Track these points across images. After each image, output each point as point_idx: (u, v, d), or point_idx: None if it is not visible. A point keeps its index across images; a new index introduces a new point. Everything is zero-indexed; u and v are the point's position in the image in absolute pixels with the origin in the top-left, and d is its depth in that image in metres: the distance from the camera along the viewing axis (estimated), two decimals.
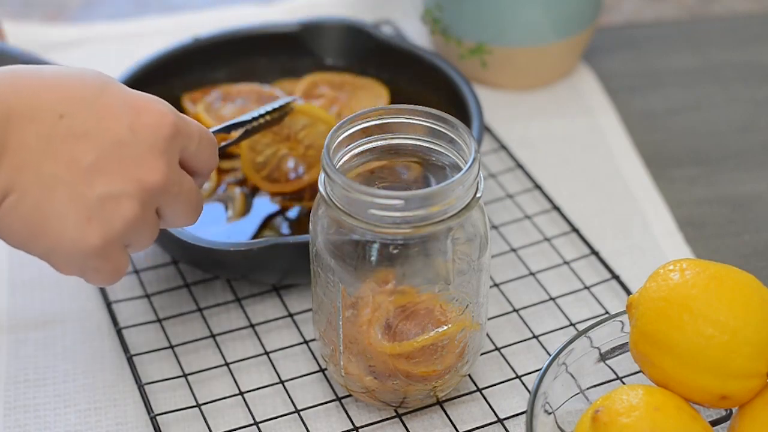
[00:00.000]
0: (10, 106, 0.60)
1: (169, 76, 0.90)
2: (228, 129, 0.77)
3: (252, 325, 0.78)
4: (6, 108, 0.60)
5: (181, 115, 0.65)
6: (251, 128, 0.79)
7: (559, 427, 0.68)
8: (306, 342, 0.77)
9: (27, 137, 0.60)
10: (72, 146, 0.61)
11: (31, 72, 0.62)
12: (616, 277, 0.81)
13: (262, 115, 0.80)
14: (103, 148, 0.61)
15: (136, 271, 0.82)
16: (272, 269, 0.77)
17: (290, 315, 0.78)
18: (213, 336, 0.77)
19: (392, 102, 0.91)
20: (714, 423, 0.70)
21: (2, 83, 0.61)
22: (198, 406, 0.72)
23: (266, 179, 0.84)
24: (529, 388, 0.73)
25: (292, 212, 0.84)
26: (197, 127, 0.66)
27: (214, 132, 0.73)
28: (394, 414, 0.72)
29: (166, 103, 0.65)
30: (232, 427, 0.71)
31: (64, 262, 0.63)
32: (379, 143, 0.68)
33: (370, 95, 0.92)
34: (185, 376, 0.74)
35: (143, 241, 0.65)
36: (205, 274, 0.81)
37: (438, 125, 0.68)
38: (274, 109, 0.81)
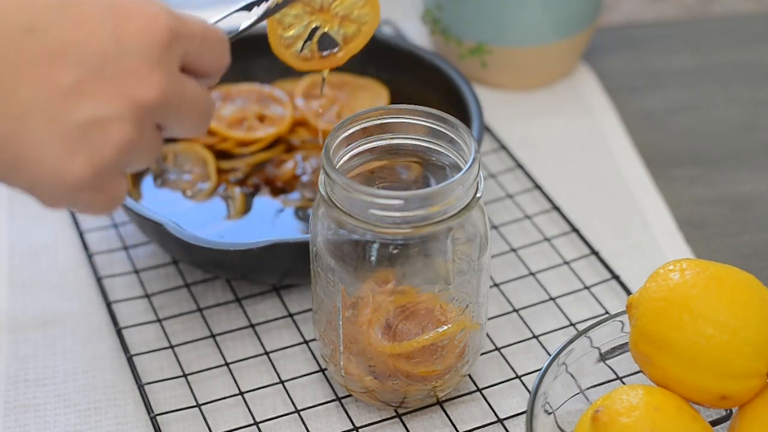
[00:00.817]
0: None
1: None
2: (248, 7, 0.69)
3: (252, 325, 0.78)
4: None
5: (178, 12, 0.57)
6: (273, 6, 0.69)
7: (559, 427, 0.68)
8: (306, 342, 0.77)
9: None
10: (46, 66, 0.53)
11: None
12: (616, 277, 0.81)
13: None
14: (84, 65, 0.53)
15: (136, 271, 0.82)
16: (272, 269, 0.77)
17: (290, 315, 0.78)
18: (213, 336, 0.77)
19: (392, 102, 0.91)
20: (714, 423, 0.70)
21: None
22: (198, 406, 0.72)
23: (297, 56, 0.74)
24: (529, 388, 0.73)
25: (293, 211, 0.84)
26: (200, 25, 0.58)
27: (228, 15, 0.66)
28: (394, 414, 0.72)
29: (158, 1, 0.56)
30: (232, 427, 0.71)
31: (50, 197, 0.55)
32: (379, 143, 0.68)
33: (370, 95, 0.92)
34: (185, 376, 0.74)
35: (143, 160, 0.57)
36: (205, 274, 0.81)
37: (438, 125, 0.68)
38: None
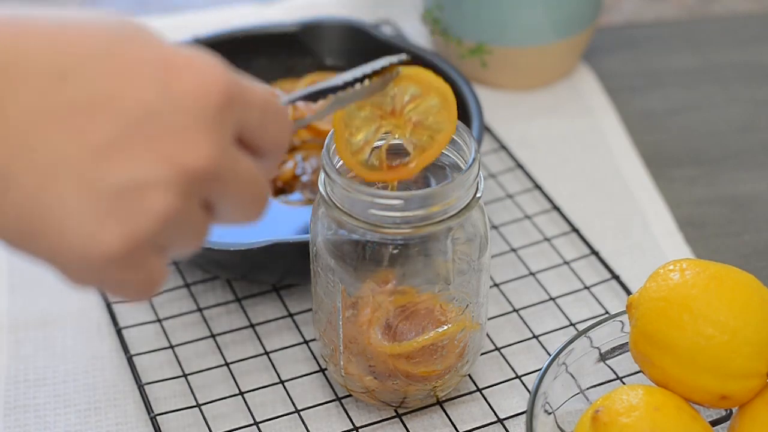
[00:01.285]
0: None
1: None
2: (312, 97, 0.59)
3: (252, 325, 0.78)
4: None
5: (238, 75, 0.49)
6: (342, 97, 0.60)
7: (559, 427, 0.68)
8: (306, 342, 0.77)
9: (15, 105, 0.45)
10: (79, 118, 0.45)
11: (24, 17, 0.46)
12: (616, 277, 0.81)
13: (357, 80, 0.61)
14: (123, 120, 0.46)
15: None
16: (272, 269, 0.77)
17: (290, 315, 0.78)
18: (213, 336, 0.77)
19: None
20: (714, 423, 0.70)
21: None
22: (198, 406, 0.72)
23: (364, 165, 0.65)
24: (529, 388, 0.73)
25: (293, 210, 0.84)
26: (261, 93, 0.50)
27: (291, 101, 0.58)
28: (394, 414, 0.72)
29: (215, 59, 0.48)
30: (232, 427, 0.71)
31: (75, 271, 0.47)
32: (379, 143, 0.68)
33: None
34: (185, 376, 0.74)
35: (186, 242, 0.50)
36: (205, 274, 0.81)
37: None
38: (374, 72, 0.62)
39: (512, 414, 0.72)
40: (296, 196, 0.84)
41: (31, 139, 0.45)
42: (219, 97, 0.47)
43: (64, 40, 0.45)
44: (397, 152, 0.65)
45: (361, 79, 0.61)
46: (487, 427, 0.71)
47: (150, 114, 0.46)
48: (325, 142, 0.66)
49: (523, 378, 0.74)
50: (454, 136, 0.67)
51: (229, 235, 0.81)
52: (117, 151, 0.46)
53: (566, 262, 0.82)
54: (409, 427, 0.71)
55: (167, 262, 0.50)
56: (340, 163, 0.67)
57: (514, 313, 0.79)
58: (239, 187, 0.50)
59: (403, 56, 0.64)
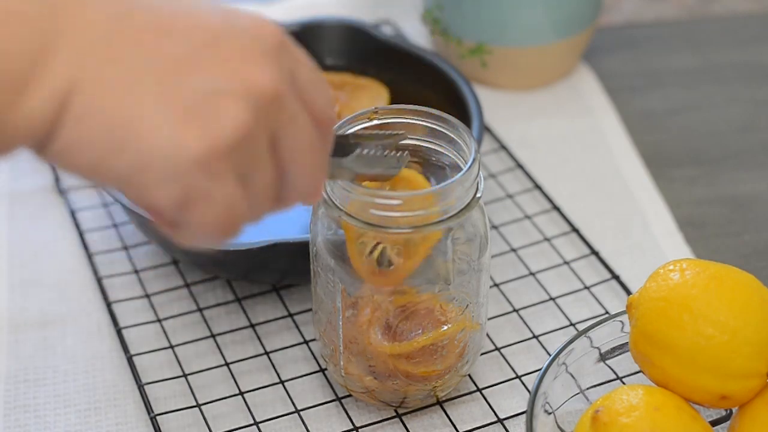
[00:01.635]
0: None
1: None
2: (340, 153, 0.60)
3: (252, 326, 0.78)
4: None
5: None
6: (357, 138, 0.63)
7: (559, 427, 0.68)
8: (306, 342, 0.77)
9: (87, 17, 0.46)
10: (153, 39, 0.47)
11: None
12: (616, 277, 0.81)
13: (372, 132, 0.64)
14: (195, 42, 0.48)
15: (136, 271, 0.82)
16: (272, 269, 0.77)
17: (290, 315, 0.78)
18: (213, 336, 0.77)
19: (392, 102, 0.91)
20: (714, 423, 0.70)
21: None
22: (198, 406, 0.72)
23: (366, 269, 0.66)
24: (529, 388, 0.73)
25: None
26: (307, 58, 0.53)
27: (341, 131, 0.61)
28: (394, 414, 0.72)
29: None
30: (232, 428, 0.71)
31: (161, 180, 0.47)
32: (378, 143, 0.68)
33: (370, 95, 0.91)
34: (185, 376, 0.74)
35: (259, 181, 0.50)
36: (205, 274, 0.81)
37: (438, 125, 0.68)
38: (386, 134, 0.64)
39: (512, 414, 0.72)
40: None
41: (111, 54, 0.46)
42: (275, 37, 0.50)
43: None
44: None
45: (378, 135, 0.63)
46: (487, 427, 0.71)
47: (218, 38, 0.48)
48: None
49: (523, 378, 0.74)
50: (454, 136, 0.67)
51: None
52: (191, 65, 0.47)
53: (566, 262, 0.82)
54: (409, 427, 0.71)
55: (246, 203, 0.50)
56: None
57: (514, 313, 0.79)
58: (301, 130, 0.51)
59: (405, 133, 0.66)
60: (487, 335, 0.76)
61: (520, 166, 0.90)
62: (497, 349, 0.76)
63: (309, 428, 0.71)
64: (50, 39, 0.46)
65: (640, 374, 0.69)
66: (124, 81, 0.47)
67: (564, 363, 0.68)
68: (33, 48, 0.45)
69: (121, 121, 0.47)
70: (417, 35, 1.05)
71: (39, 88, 0.46)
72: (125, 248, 0.84)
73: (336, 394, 0.73)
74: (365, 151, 0.62)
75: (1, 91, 0.45)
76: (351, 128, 0.66)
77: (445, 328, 0.68)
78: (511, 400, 0.73)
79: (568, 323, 0.78)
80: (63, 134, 0.47)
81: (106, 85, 0.47)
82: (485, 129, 0.92)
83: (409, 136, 0.68)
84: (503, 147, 0.92)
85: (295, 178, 0.52)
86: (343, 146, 0.61)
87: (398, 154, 0.63)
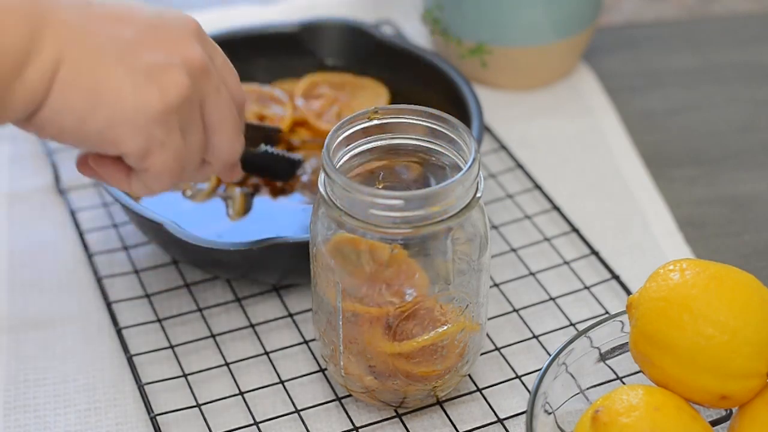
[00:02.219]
0: None
1: None
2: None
3: (252, 325, 0.78)
4: None
5: None
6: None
7: (559, 427, 0.68)
8: (306, 342, 0.77)
9: (64, 15, 0.60)
10: (109, 25, 0.61)
11: None
12: (616, 277, 0.81)
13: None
14: (140, 28, 0.62)
15: (136, 271, 0.82)
16: (272, 269, 0.77)
17: (290, 315, 0.78)
18: (213, 336, 0.77)
19: (392, 102, 0.91)
20: (714, 423, 0.70)
21: None
22: (198, 406, 0.72)
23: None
24: (529, 388, 0.73)
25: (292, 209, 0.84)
26: (219, 49, 0.67)
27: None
28: (394, 414, 0.72)
29: None
30: (232, 427, 0.71)
31: (128, 132, 0.61)
32: (379, 143, 0.68)
33: (370, 95, 0.92)
34: (185, 376, 0.74)
35: (194, 137, 0.65)
36: (205, 274, 0.81)
37: (438, 125, 0.68)
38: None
39: (512, 414, 0.72)
40: (295, 196, 0.84)
41: (80, 35, 0.60)
42: (195, 24, 0.65)
43: None
44: None
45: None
46: (487, 427, 0.71)
47: (155, 26, 0.63)
48: (325, 143, 0.66)
49: (523, 378, 0.74)
50: (454, 136, 0.67)
51: (230, 235, 0.81)
52: (141, 45, 0.62)
53: (566, 262, 0.82)
54: (409, 427, 0.71)
55: (184, 148, 0.64)
56: (340, 162, 0.67)
57: (514, 313, 0.79)
58: (224, 100, 0.66)
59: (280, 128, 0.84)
60: (487, 335, 0.76)
61: (520, 166, 0.90)
62: (497, 349, 0.76)
63: (309, 428, 0.71)
64: (38, 25, 0.59)
65: (640, 374, 0.69)
66: (94, 56, 0.60)
67: (564, 363, 0.68)
68: (27, 33, 0.58)
69: (96, 87, 0.60)
70: (417, 35, 1.05)
71: (35, 62, 0.59)
72: (125, 248, 0.84)
73: (336, 394, 0.73)
74: (269, 149, 0.78)
75: (11, 65, 0.58)
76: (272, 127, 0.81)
77: (445, 328, 0.68)
78: (511, 400, 0.73)
79: (568, 323, 0.78)
80: (50, 101, 0.60)
81: (82, 60, 0.60)
82: (485, 129, 0.92)
83: (409, 136, 0.68)
84: (503, 147, 0.92)
85: (219, 143, 0.66)
86: (253, 138, 0.77)
87: (297, 159, 0.79)
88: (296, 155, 0.81)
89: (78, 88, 0.60)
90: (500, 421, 0.71)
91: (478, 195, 0.66)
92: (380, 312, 0.67)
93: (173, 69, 0.62)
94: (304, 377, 0.74)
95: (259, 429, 0.71)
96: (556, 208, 0.87)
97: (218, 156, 0.67)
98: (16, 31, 0.58)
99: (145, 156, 0.63)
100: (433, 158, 0.68)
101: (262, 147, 0.78)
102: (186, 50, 0.63)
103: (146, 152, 0.63)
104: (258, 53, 0.93)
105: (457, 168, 0.67)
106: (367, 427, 0.71)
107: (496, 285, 0.80)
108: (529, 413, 0.65)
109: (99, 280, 0.81)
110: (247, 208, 0.84)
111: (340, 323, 0.68)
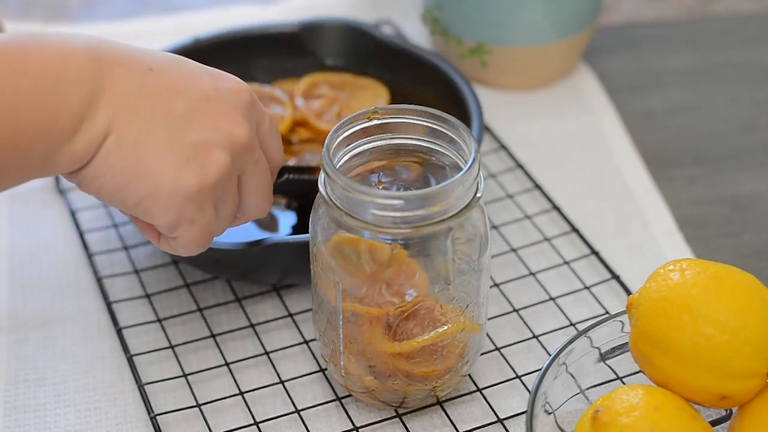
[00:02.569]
0: (101, 52, 0.62)
1: None
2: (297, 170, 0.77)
3: (252, 325, 0.78)
4: (98, 52, 0.61)
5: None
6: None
7: (559, 427, 0.68)
8: (306, 342, 0.77)
9: (121, 81, 0.62)
10: (164, 96, 0.63)
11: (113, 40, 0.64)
12: (616, 277, 0.81)
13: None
14: (193, 101, 0.64)
15: (136, 271, 0.82)
16: (272, 269, 0.77)
17: (290, 315, 0.78)
18: (213, 336, 0.77)
19: (392, 102, 0.91)
20: (714, 423, 0.70)
21: (89, 38, 0.62)
22: (198, 406, 0.72)
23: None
24: (529, 388, 0.73)
25: (293, 213, 0.84)
26: (268, 112, 0.69)
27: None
28: (394, 414, 0.72)
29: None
30: (232, 427, 0.71)
31: (162, 207, 0.63)
32: (379, 143, 0.68)
33: (370, 95, 0.92)
34: (185, 376, 0.74)
35: (227, 207, 0.66)
36: (205, 274, 0.81)
37: (438, 125, 0.68)
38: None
39: (512, 414, 0.72)
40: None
41: (134, 105, 0.62)
42: (248, 96, 0.66)
43: (147, 51, 0.64)
44: None
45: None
46: (487, 427, 0.71)
47: (209, 99, 0.64)
48: (325, 143, 0.66)
49: (523, 378, 0.74)
50: (454, 136, 0.67)
51: (229, 235, 0.81)
52: (191, 120, 0.63)
53: (566, 262, 0.82)
54: (409, 427, 0.71)
55: (215, 218, 0.66)
56: (340, 162, 0.67)
57: (514, 313, 0.79)
58: (261, 170, 0.67)
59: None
60: (487, 335, 0.76)
61: (520, 166, 0.90)
62: (497, 349, 0.76)
63: (309, 428, 0.71)
64: (96, 95, 0.61)
65: (640, 374, 0.69)
66: (143, 130, 0.62)
67: (564, 363, 0.68)
68: (86, 102, 0.60)
69: (138, 160, 0.62)
70: (417, 35, 1.05)
71: (87, 130, 0.61)
72: (125, 248, 0.84)
73: (336, 394, 0.73)
74: (290, 176, 0.77)
75: (64, 131, 0.60)
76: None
77: (445, 328, 0.68)
78: (511, 400, 0.73)
79: (568, 323, 0.78)
80: (94, 164, 0.62)
81: (130, 132, 0.61)
82: (485, 129, 0.92)
83: (409, 136, 0.68)
84: (503, 147, 0.92)
85: (251, 205, 0.68)
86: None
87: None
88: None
89: (121, 158, 0.61)
90: (500, 421, 0.71)
91: (478, 195, 0.66)
92: (380, 312, 0.67)
93: (216, 148, 0.64)
94: (304, 377, 0.74)
95: (259, 429, 0.71)
96: (556, 208, 0.87)
97: (248, 216, 0.69)
98: (76, 101, 0.60)
99: (174, 229, 0.64)
100: (433, 158, 0.68)
101: (285, 175, 0.77)
102: (233, 127, 0.64)
103: (176, 226, 0.64)
104: (258, 53, 0.93)
105: (457, 168, 0.67)
106: (367, 427, 0.71)
107: (496, 285, 0.80)
108: (529, 413, 0.65)
109: (99, 280, 0.81)
110: None
111: (340, 323, 0.68)
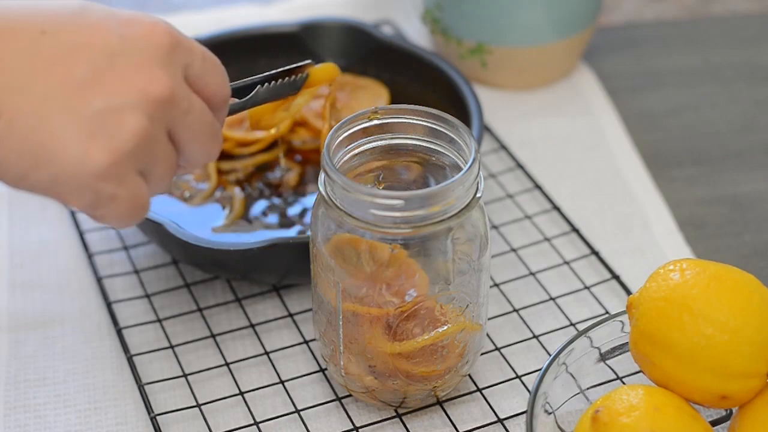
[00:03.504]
0: None
1: None
2: (237, 92, 0.68)
3: (252, 325, 0.78)
4: None
5: (178, 30, 0.60)
6: (261, 92, 0.69)
7: (559, 427, 0.68)
8: (306, 342, 0.77)
9: (8, 56, 0.55)
10: (60, 62, 0.55)
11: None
12: (616, 277, 0.81)
13: (275, 75, 0.70)
14: (95, 61, 0.56)
15: (136, 271, 0.82)
16: (272, 269, 0.77)
17: (290, 315, 0.78)
18: (213, 336, 0.77)
19: (392, 102, 0.91)
20: (714, 423, 0.70)
21: None
22: (198, 406, 0.72)
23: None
24: (529, 388, 0.73)
25: (293, 209, 0.84)
26: (198, 45, 0.61)
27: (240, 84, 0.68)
28: (394, 414, 0.72)
29: (160, 18, 0.60)
30: (232, 427, 0.71)
31: (73, 190, 0.56)
32: (379, 143, 0.68)
33: (370, 95, 0.91)
34: (185, 376, 0.74)
35: (159, 168, 0.59)
36: (205, 274, 0.81)
37: (438, 125, 0.68)
38: (289, 72, 0.71)
39: (512, 414, 0.72)
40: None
41: (24, 80, 0.55)
42: (165, 38, 0.58)
43: (41, 8, 0.56)
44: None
45: (279, 75, 0.70)
46: (487, 427, 0.71)
47: (115, 55, 0.56)
48: (325, 142, 0.66)
49: (523, 378, 0.74)
50: (454, 136, 0.67)
51: (230, 236, 0.81)
52: (94, 84, 0.56)
53: (566, 262, 0.82)
54: (409, 427, 0.71)
55: (149, 189, 0.59)
56: (341, 162, 0.67)
57: (514, 313, 0.79)
58: (196, 118, 0.59)
59: (309, 60, 0.72)
60: (487, 335, 0.76)
61: (520, 166, 0.90)
62: (497, 349, 0.76)
63: (309, 428, 0.71)
64: None
65: (640, 374, 0.69)
66: (37, 107, 0.55)
67: (564, 363, 0.68)
68: None
69: (36, 144, 0.55)
70: (417, 35, 1.05)
71: None
72: (125, 248, 0.84)
73: (336, 394, 0.73)
74: (266, 85, 0.69)
75: None
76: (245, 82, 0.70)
77: (445, 328, 0.68)
78: (511, 400, 0.73)
79: (568, 323, 0.78)
80: None
81: (23, 112, 0.54)
82: (485, 129, 0.92)
83: (409, 136, 0.68)
84: (503, 147, 0.92)
85: (192, 154, 0.61)
86: (245, 89, 0.69)
87: (296, 78, 0.71)
88: (301, 63, 0.72)
89: (16, 146, 0.55)
90: (500, 421, 0.71)
91: (478, 195, 0.66)
92: (380, 312, 0.67)
93: (126, 113, 0.56)
94: (304, 377, 0.74)
95: (259, 429, 0.71)
96: (556, 208, 0.87)
97: (193, 164, 0.62)
98: None
99: (95, 208, 0.58)
100: (433, 158, 0.68)
101: (256, 87, 0.70)
102: (146, 83, 0.57)
103: (95, 206, 0.57)
104: (258, 53, 0.93)
105: (457, 168, 0.67)
106: (367, 427, 0.71)
107: (496, 285, 0.80)
108: (529, 413, 0.65)
109: (99, 280, 0.81)
110: (246, 209, 0.84)
111: (340, 323, 0.68)
